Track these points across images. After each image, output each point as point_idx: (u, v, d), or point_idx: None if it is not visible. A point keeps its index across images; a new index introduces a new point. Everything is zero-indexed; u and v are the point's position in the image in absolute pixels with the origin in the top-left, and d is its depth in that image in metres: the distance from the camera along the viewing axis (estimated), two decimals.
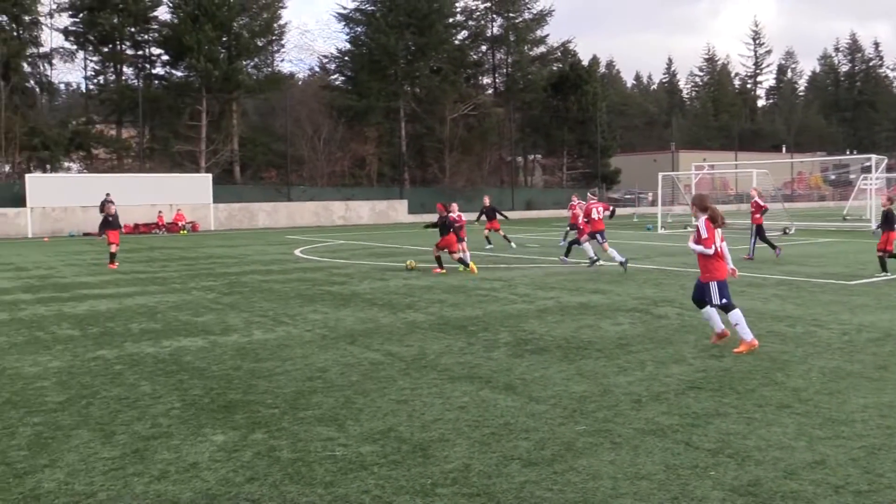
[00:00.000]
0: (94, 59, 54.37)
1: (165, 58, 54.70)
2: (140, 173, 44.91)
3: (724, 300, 8.23)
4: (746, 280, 14.24)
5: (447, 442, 5.38)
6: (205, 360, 8.14)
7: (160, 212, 39.84)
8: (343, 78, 63.14)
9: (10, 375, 7.58)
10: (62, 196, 37.99)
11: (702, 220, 8.35)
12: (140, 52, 55.08)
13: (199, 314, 11.42)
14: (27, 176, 39.28)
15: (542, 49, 69.41)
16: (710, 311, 8.38)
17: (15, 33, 48.86)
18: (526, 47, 67.78)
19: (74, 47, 53.16)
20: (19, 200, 38.30)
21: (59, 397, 6.70)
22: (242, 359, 8.20)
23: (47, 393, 6.86)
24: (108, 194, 36.66)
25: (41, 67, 52.56)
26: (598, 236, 17.24)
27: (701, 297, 8.42)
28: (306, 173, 53.63)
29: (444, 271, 16.62)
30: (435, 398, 6.51)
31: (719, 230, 8.33)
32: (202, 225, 41.77)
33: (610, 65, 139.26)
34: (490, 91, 69.03)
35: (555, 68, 70.45)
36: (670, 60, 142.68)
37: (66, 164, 51.58)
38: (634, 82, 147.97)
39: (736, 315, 8.14)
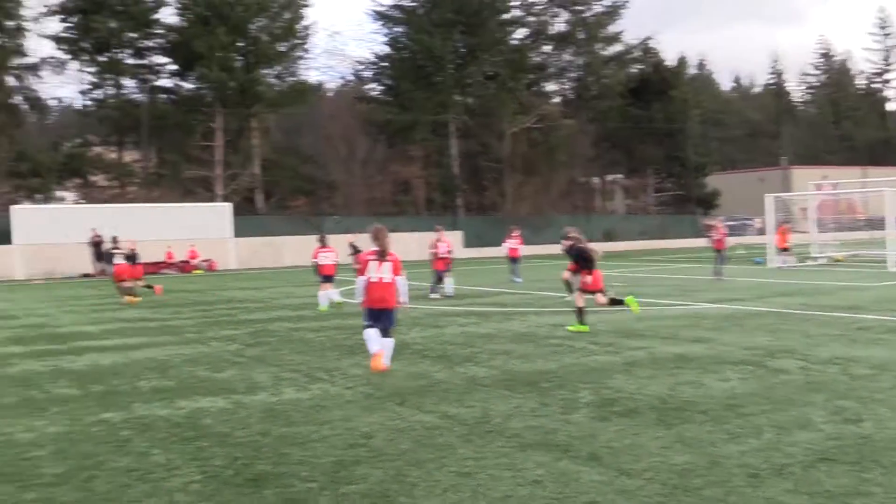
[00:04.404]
0: (90, 69, 55.31)
1: (173, 67, 56.03)
2: (146, 203, 45.80)
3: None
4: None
5: None
6: (227, 425, 8.21)
7: (169, 247, 40.49)
8: (381, 88, 63.90)
9: None
10: (55, 231, 38.89)
11: None
12: (143, 62, 56.27)
13: (219, 369, 11.54)
14: (13, 208, 40.38)
15: (617, 47, 69.72)
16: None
17: None
18: (598, 46, 67.88)
19: (67, 56, 54.32)
20: (5, 237, 39.27)
21: (58, 469, 6.81)
22: (272, 422, 8.25)
23: (43, 464, 6.97)
24: (93, 229, 37.43)
25: (28, 81, 53.89)
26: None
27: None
28: (340, 201, 54.02)
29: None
30: (504, 470, 6.46)
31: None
32: (220, 263, 42.23)
33: (701, 65, 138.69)
34: (557, 100, 69.16)
35: (634, 70, 70.38)
36: (776, 57, 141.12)
37: (58, 193, 52.73)
38: (733, 84, 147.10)
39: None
